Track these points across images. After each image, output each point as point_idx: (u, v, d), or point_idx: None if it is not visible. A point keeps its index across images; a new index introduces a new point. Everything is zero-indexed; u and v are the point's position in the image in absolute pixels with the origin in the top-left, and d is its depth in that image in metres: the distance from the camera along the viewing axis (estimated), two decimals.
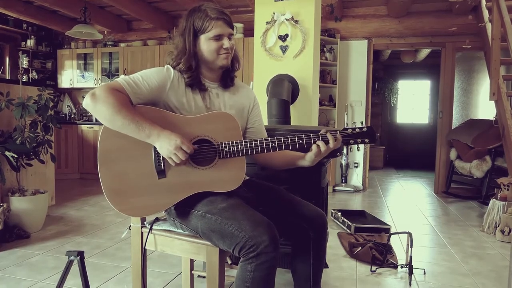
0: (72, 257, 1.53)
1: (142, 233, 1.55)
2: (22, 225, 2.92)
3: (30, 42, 5.75)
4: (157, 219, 1.58)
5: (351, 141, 1.34)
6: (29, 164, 3.03)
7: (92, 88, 5.94)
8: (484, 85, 6.05)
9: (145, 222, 1.57)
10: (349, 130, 1.34)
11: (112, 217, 3.52)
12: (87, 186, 5.07)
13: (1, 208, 2.64)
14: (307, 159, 1.42)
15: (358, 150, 1.47)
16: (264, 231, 1.20)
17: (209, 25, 1.38)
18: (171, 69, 1.42)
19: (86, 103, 1.30)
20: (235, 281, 1.26)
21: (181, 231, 1.47)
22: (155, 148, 1.32)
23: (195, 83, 1.42)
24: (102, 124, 1.32)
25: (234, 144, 1.33)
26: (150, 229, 1.52)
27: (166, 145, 1.26)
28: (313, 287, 1.49)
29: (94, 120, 5.67)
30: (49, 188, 3.62)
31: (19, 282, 2.13)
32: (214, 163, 1.34)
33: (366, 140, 1.34)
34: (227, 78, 1.50)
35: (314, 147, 1.36)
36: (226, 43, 1.40)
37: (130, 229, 1.59)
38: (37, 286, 2.08)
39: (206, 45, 1.40)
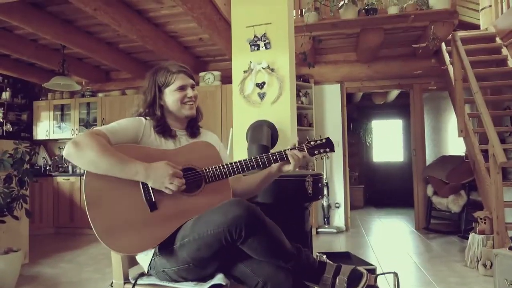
0: None
1: None
2: None
3: (6, 95, 5.68)
4: (142, 274, 1.53)
5: (316, 152, 1.49)
6: (2, 221, 2.90)
7: (69, 139, 5.90)
8: (451, 122, 6.34)
9: (129, 278, 1.52)
10: (312, 143, 1.50)
11: (90, 274, 3.35)
12: (63, 241, 4.84)
13: None
14: (284, 170, 1.51)
15: (326, 158, 1.59)
16: (236, 210, 1.23)
17: (172, 79, 1.54)
18: (143, 119, 1.52)
19: (68, 152, 1.32)
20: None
21: (171, 285, 1.42)
22: (142, 182, 1.35)
23: (164, 130, 1.53)
24: (79, 175, 1.35)
25: (218, 168, 1.43)
26: (134, 284, 1.47)
27: (159, 179, 1.32)
28: None
29: (70, 172, 5.52)
30: (23, 245, 3.44)
31: None
32: (202, 188, 1.42)
33: (327, 150, 1.49)
34: (193, 127, 1.63)
35: (291, 159, 1.45)
36: (189, 92, 1.56)
37: (112, 286, 1.53)
38: None
39: (171, 96, 1.54)
